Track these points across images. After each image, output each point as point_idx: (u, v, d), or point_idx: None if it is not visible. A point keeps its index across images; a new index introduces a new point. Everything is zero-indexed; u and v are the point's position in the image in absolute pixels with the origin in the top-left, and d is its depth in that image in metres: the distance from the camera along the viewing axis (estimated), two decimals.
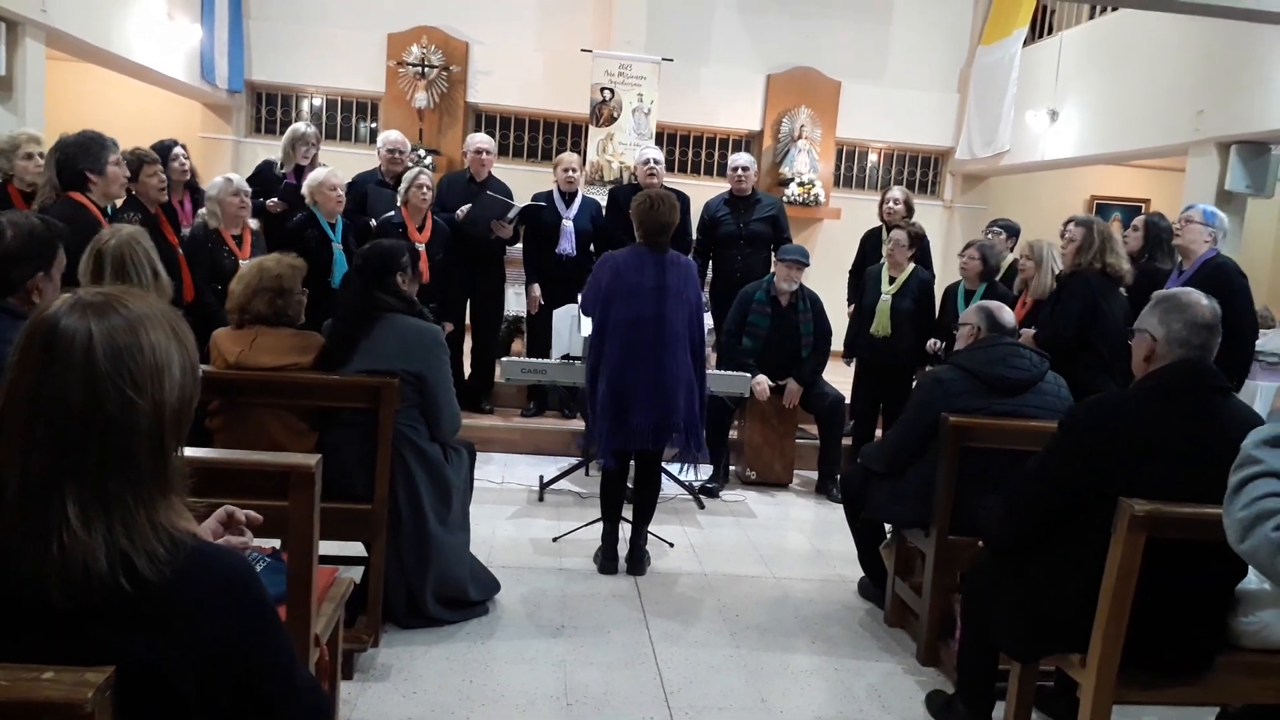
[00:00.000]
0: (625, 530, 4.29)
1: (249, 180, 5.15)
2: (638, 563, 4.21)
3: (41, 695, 1.06)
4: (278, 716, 1.25)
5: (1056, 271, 4.82)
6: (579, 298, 4.52)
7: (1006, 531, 2.67)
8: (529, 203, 6.02)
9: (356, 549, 3.50)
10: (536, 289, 6.12)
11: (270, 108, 9.33)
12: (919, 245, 5.76)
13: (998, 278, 5.47)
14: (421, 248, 5.26)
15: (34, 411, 1.13)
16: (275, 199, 5.47)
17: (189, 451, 1.29)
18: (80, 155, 3.72)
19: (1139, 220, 5.34)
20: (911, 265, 5.65)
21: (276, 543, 2.82)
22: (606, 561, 4.19)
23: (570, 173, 6.14)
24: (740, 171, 6.16)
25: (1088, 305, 4.33)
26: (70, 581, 1.11)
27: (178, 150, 5.20)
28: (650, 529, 4.35)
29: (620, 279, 4.02)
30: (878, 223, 6.30)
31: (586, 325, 4.35)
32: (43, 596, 1.11)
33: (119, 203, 4.90)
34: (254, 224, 4.89)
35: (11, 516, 1.12)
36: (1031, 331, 4.49)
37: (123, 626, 1.12)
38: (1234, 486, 1.99)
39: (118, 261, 2.97)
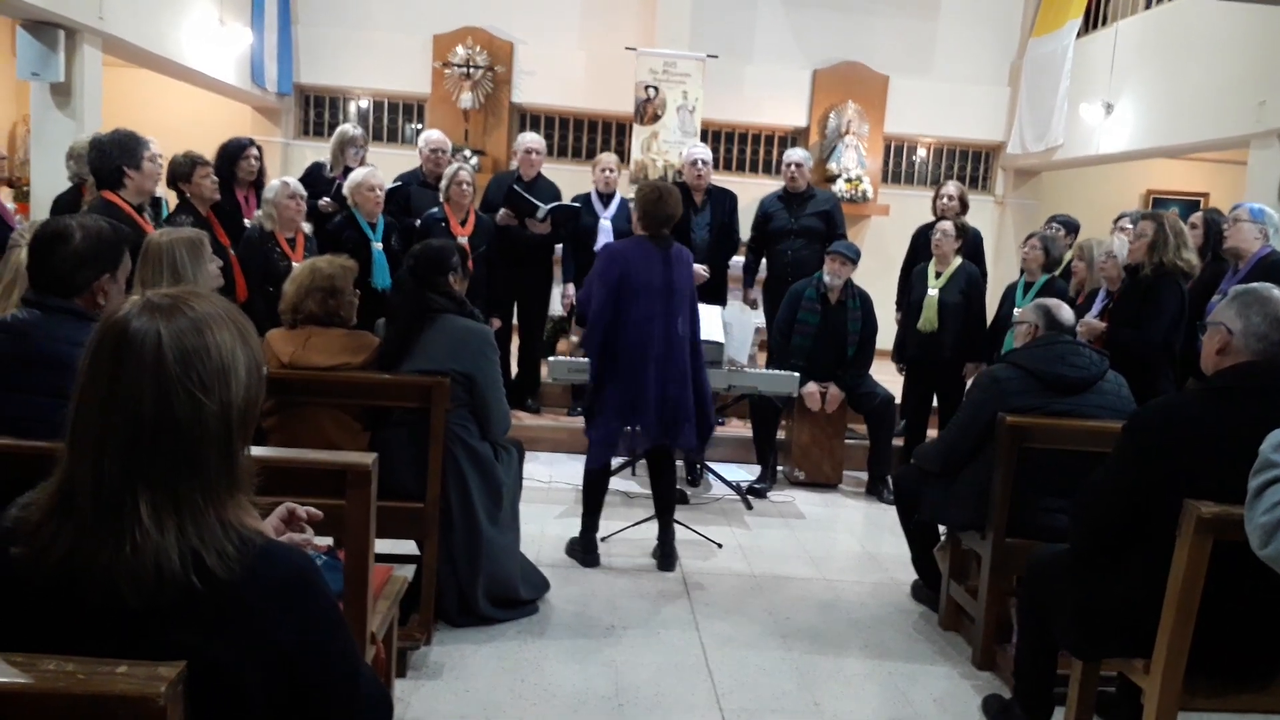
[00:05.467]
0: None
1: (299, 182, 5.21)
2: (667, 558, 4.19)
3: (115, 689, 1.07)
4: (342, 711, 1.25)
5: (1105, 262, 4.69)
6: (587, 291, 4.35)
7: (1079, 539, 2.62)
8: (561, 203, 5.96)
9: (408, 547, 3.53)
10: (570, 288, 6.11)
11: (318, 110, 9.44)
12: (966, 238, 5.68)
13: (1056, 272, 5.37)
14: (464, 240, 5.28)
15: (106, 414, 1.14)
16: (328, 199, 5.54)
17: None
18: (118, 151, 3.81)
19: (1196, 217, 5.19)
20: (958, 259, 5.57)
21: (330, 540, 2.86)
22: (587, 555, 4.19)
23: (608, 173, 6.13)
24: (794, 168, 6.11)
25: (1179, 313, 4.20)
26: (142, 581, 1.12)
27: (252, 151, 5.30)
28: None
29: (629, 278, 3.98)
30: (929, 219, 6.21)
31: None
32: (113, 596, 1.12)
33: (172, 205, 5.02)
34: (307, 227, 4.94)
35: (84, 518, 1.14)
36: (1097, 322, 4.34)
37: (192, 624, 1.13)
38: (1254, 491, 1.96)
39: (153, 257, 2.93)
